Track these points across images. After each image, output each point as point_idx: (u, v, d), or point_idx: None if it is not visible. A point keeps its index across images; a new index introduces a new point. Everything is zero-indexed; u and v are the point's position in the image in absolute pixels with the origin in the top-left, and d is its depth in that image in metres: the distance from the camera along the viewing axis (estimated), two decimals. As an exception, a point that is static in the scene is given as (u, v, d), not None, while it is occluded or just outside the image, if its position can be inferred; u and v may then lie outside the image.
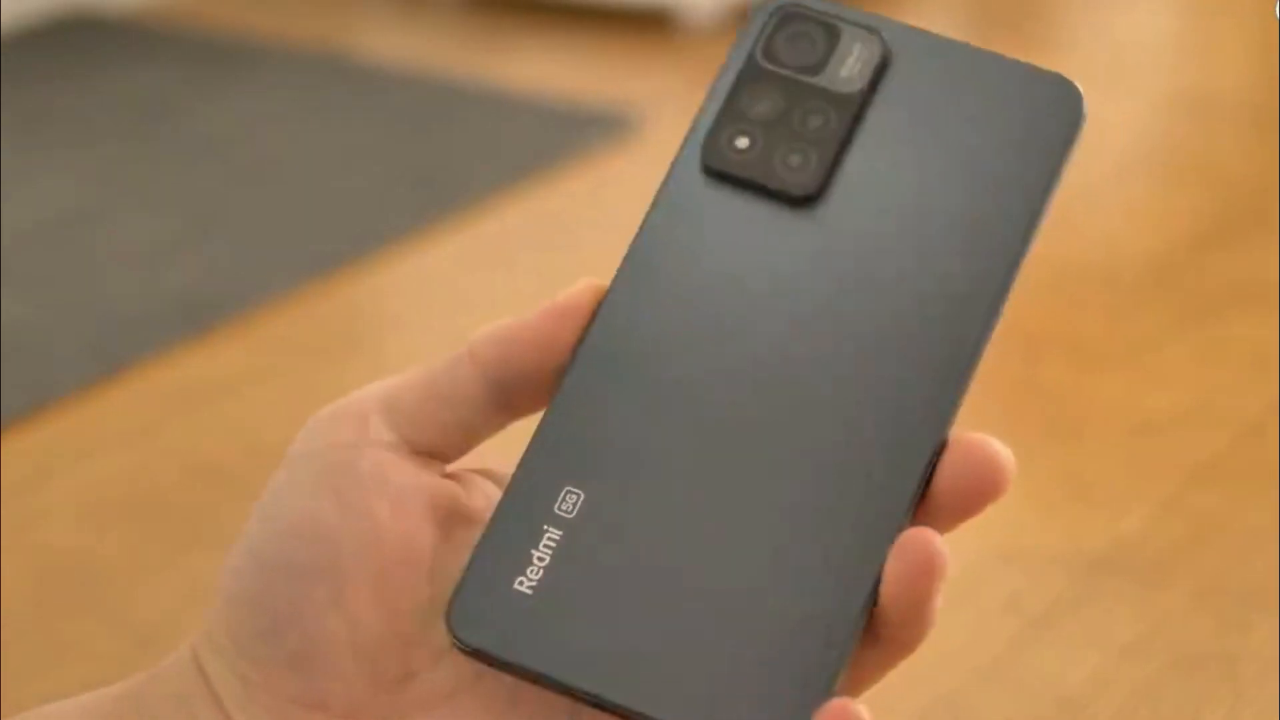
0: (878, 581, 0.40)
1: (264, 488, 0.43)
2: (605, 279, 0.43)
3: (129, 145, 1.41)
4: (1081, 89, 0.44)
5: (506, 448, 0.45)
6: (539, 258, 1.18)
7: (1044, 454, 0.89)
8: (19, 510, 0.88)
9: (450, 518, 0.43)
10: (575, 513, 0.41)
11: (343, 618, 0.41)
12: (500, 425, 0.44)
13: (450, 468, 0.44)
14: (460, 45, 1.64)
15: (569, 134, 1.39)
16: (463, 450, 0.43)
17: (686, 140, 0.44)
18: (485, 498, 0.44)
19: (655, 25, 1.65)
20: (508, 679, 0.42)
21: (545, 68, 1.57)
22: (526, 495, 0.41)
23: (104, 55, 1.61)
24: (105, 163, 1.38)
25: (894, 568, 0.40)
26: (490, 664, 0.40)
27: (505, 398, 0.43)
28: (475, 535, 0.43)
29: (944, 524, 0.42)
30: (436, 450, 0.43)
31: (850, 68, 0.44)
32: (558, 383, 0.42)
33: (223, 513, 0.88)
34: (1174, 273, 1.12)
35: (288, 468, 0.42)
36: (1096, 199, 1.25)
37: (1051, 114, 0.44)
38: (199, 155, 1.39)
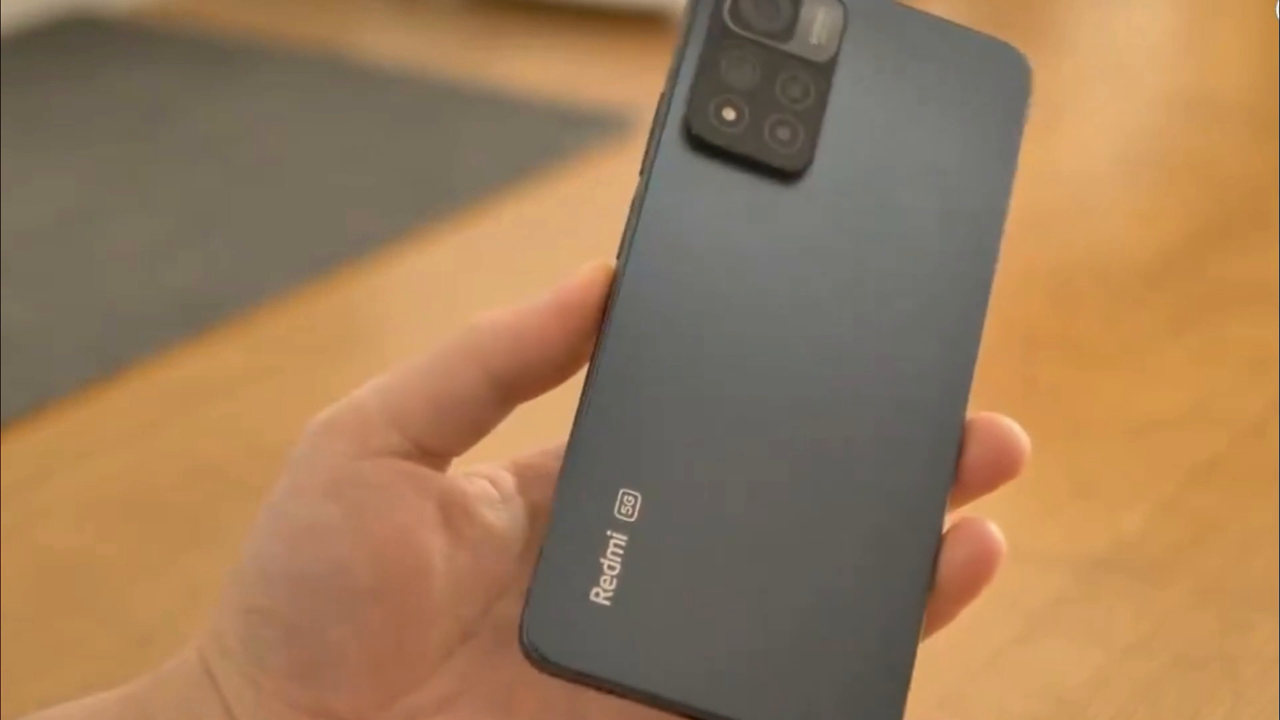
0: (934, 567, 0.41)
1: (265, 489, 0.43)
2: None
3: (129, 145, 1.41)
4: (1029, 59, 0.46)
5: (503, 444, 0.45)
6: (539, 257, 1.18)
7: (1043, 454, 0.89)
8: (19, 510, 0.88)
9: (457, 518, 0.42)
10: (636, 515, 0.40)
11: (353, 628, 0.41)
12: (501, 417, 0.43)
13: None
14: (460, 45, 1.64)
15: (568, 134, 1.39)
16: (466, 446, 0.43)
17: (666, 108, 0.44)
18: (486, 494, 0.44)
19: (655, 25, 1.64)
20: (506, 680, 0.42)
21: (544, 68, 1.57)
22: (581, 502, 0.40)
23: (104, 55, 1.61)
24: (105, 163, 1.38)
25: (955, 554, 0.41)
26: (578, 681, 0.39)
27: (508, 391, 0.43)
28: (481, 534, 0.42)
29: (961, 503, 0.42)
30: (441, 449, 0.43)
31: (818, 34, 0.44)
32: (586, 379, 0.42)
33: (223, 513, 0.88)
34: (1172, 273, 1.12)
35: (291, 474, 0.42)
36: (1094, 199, 1.25)
37: (1005, 83, 0.45)
38: (199, 155, 1.39)
